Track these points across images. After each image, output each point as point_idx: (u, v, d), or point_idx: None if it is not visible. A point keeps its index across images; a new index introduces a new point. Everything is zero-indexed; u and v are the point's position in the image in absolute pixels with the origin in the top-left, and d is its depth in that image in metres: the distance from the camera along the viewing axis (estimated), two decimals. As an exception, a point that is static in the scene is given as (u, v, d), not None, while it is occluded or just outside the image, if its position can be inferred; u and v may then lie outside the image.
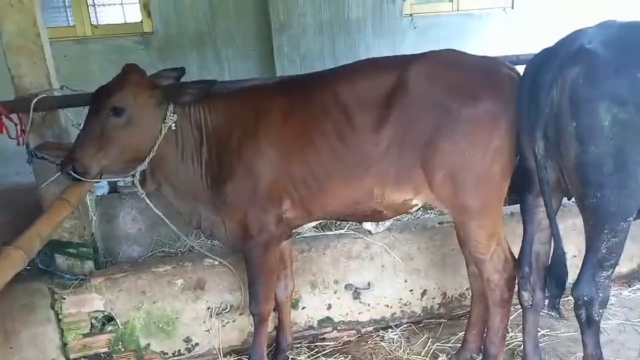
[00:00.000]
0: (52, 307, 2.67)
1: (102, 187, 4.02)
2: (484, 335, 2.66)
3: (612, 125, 1.85)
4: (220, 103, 2.40)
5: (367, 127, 2.25)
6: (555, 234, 2.17)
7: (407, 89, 2.21)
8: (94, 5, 5.72)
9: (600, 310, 2.16)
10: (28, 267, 1.96)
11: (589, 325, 2.20)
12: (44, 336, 2.69)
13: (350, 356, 2.90)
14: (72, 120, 2.71)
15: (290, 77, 2.57)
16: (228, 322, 2.90)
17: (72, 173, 2.19)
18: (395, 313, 3.16)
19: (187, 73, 2.55)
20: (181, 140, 2.34)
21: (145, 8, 5.64)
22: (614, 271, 2.16)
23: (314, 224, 2.63)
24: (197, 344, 2.89)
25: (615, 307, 3.20)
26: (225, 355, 2.89)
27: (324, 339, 3.06)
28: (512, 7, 6.34)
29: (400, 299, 3.15)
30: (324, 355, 2.92)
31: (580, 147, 1.91)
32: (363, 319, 3.11)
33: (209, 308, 2.84)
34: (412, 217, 3.50)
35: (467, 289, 3.18)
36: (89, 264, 2.78)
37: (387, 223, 2.70)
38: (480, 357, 2.69)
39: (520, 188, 2.33)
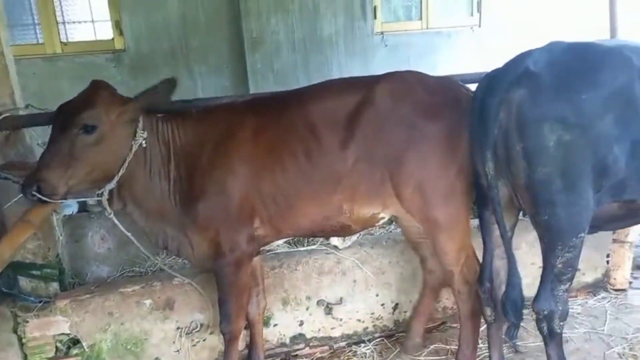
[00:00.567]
0: (15, 331, 2.59)
1: (70, 207, 3.93)
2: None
3: (558, 146, 1.90)
4: (190, 121, 2.40)
5: (335, 145, 2.31)
6: (508, 255, 2.22)
7: (374, 107, 2.30)
8: (63, 22, 5.68)
9: (561, 323, 2.21)
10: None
11: (551, 337, 2.24)
12: (6, 361, 2.62)
13: (323, 372, 2.91)
14: (38, 139, 2.67)
15: (260, 95, 2.60)
16: (198, 341, 2.86)
17: (37, 194, 2.11)
18: (367, 327, 3.16)
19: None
20: (149, 157, 2.32)
21: (117, 26, 5.62)
22: (572, 284, 2.22)
23: (282, 241, 2.64)
24: (166, 365, 2.84)
25: (581, 316, 3.27)
26: (196, 375, 2.85)
27: (296, 356, 3.05)
28: (479, 26, 6.52)
29: (372, 313, 3.16)
30: (296, 372, 2.91)
31: (528, 167, 1.96)
32: (335, 335, 3.10)
33: (178, 328, 2.80)
34: (384, 232, 3.52)
35: (437, 301, 3.22)
36: (54, 286, 2.72)
37: (354, 237, 2.75)
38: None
39: (478, 204, 2.38)
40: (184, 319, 2.80)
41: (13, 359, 2.62)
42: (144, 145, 2.28)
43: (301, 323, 3.02)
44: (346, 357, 3.02)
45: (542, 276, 2.18)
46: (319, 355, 3.06)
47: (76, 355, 2.68)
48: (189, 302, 2.79)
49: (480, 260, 2.46)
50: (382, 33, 6.31)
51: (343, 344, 3.12)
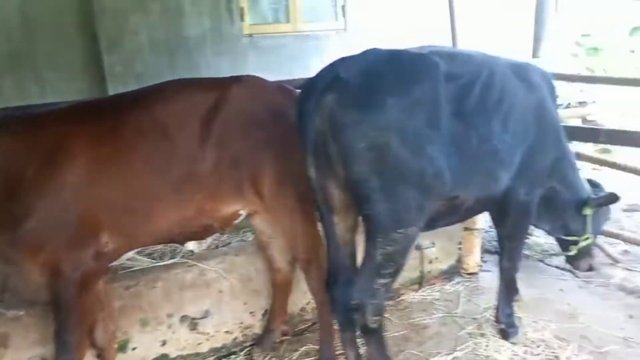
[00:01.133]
0: None
1: None
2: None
3: (370, 148, 1.98)
4: (6, 135, 2.14)
5: (191, 145, 2.29)
6: (330, 256, 2.27)
7: (230, 108, 2.35)
8: None
9: (374, 318, 2.21)
10: None
11: (366, 332, 2.25)
12: None
13: (190, 391, 2.77)
14: None
15: (90, 100, 2.42)
16: (42, 378, 2.56)
17: None
18: (237, 338, 3.08)
19: (2, 97, 2.24)
20: None
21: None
22: (394, 281, 2.26)
23: (132, 253, 2.49)
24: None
25: (439, 302, 3.52)
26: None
27: (161, 378, 2.87)
28: (345, 30, 6.75)
29: (242, 323, 3.09)
30: (161, 395, 2.74)
31: (345, 167, 2.04)
32: (203, 350, 2.98)
33: (16, 366, 2.48)
34: (248, 239, 3.48)
35: (307, 303, 3.25)
36: None
37: (209, 240, 2.70)
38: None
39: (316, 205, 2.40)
40: (22, 356, 2.48)
41: None
42: None
43: (164, 343, 2.85)
44: (215, 372, 2.93)
45: (360, 267, 2.23)
46: (186, 374, 2.92)
47: None
48: (26, 337, 2.48)
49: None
50: (251, 35, 6.25)
51: (212, 358, 3.00)
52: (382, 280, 2.18)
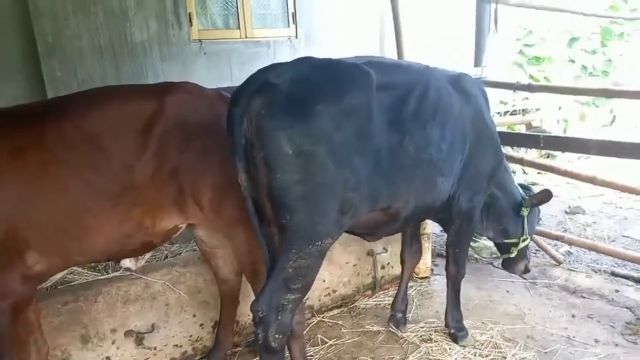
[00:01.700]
0: None
1: None
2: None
3: (297, 155, 1.93)
4: None
5: (127, 156, 2.14)
6: (266, 265, 2.17)
7: (166, 118, 2.21)
8: None
9: (277, 336, 2.08)
10: None
11: (265, 350, 2.10)
12: None
13: (135, 411, 2.64)
14: None
15: (6, 109, 2.19)
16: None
17: None
18: (186, 352, 2.98)
19: None
20: None
21: None
22: (301, 301, 2.16)
23: (64, 272, 2.33)
24: None
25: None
26: None
27: (104, 398, 2.72)
28: (296, 37, 6.75)
29: (191, 336, 2.99)
30: (103, 416, 2.59)
31: (269, 173, 1.95)
32: (150, 365, 2.86)
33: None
34: (193, 250, 3.38)
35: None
36: None
37: (147, 256, 2.58)
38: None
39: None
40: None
41: None
42: None
43: (107, 359, 2.71)
44: (163, 388, 2.81)
45: (268, 278, 2.12)
46: (132, 392, 2.79)
47: None
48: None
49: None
50: (199, 40, 6.12)
51: (159, 374, 2.88)
52: (291, 296, 2.08)
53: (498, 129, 3.11)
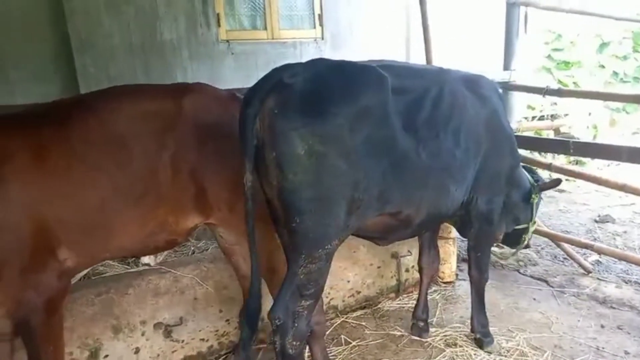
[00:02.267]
0: None
1: None
2: None
3: (309, 156, 1.90)
4: None
5: (150, 155, 2.18)
6: (253, 268, 2.17)
7: (186, 118, 2.25)
8: None
9: (295, 343, 2.07)
10: None
11: (284, 357, 2.09)
12: None
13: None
14: None
15: (33, 107, 2.22)
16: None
17: None
18: (212, 346, 3.01)
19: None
20: None
21: None
22: (315, 304, 2.13)
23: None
24: None
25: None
26: None
27: (133, 388, 2.77)
28: (322, 38, 6.78)
29: (217, 331, 3.02)
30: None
31: (280, 174, 1.94)
32: (177, 358, 2.89)
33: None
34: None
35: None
36: None
37: (165, 252, 2.60)
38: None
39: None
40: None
41: None
42: None
43: (137, 350, 2.75)
44: (189, 381, 2.84)
45: (282, 285, 2.11)
46: (159, 383, 2.83)
47: None
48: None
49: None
50: (227, 41, 6.20)
51: (186, 367, 2.92)
52: (305, 303, 2.07)
53: (525, 133, 3.08)
